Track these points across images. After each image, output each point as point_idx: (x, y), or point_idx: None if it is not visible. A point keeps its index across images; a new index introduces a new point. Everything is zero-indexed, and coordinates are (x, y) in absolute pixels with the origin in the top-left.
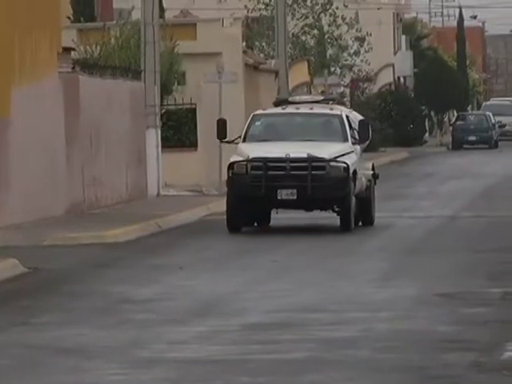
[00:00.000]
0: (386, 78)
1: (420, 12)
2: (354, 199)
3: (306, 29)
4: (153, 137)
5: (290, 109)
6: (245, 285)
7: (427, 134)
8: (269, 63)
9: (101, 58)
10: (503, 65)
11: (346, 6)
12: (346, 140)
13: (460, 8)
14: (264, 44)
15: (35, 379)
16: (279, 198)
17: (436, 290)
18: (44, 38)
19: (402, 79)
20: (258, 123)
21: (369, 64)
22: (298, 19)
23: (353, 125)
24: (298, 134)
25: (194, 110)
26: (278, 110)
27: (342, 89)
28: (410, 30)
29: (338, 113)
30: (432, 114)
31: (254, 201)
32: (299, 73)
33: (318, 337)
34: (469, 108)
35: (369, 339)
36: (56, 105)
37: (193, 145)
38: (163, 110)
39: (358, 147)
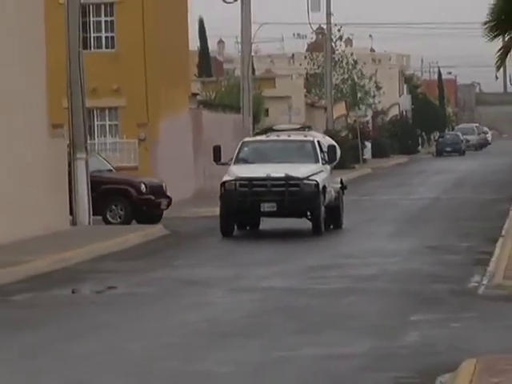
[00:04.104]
0: (394, 111)
1: (415, 70)
2: (323, 209)
3: (344, 80)
4: None
5: (272, 136)
6: (295, 245)
7: (420, 146)
8: (320, 102)
9: (216, 99)
10: (468, 103)
11: (364, 64)
12: (317, 161)
13: (439, 67)
14: (317, 90)
15: (173, 300)
16: (262, 210)
17: (426, 243)
18: (180, 88)
19: (404, 112)
20: (246, 148)
21: (379, 102)
22: (338, 75)
23: (323, 148)
24: (278, 157)
25: None
26: (263, 137)
27: (367, 118)
28: (409, 81)
29: (311, 139)
30: (423, 133)
31: (242, 212)
32: (340, 109)
33: (350, 274)
34: (446, 130)
35: (383, 275)
36: (187, 129)
37: None
38: (255, 132)
39: (327, 166)
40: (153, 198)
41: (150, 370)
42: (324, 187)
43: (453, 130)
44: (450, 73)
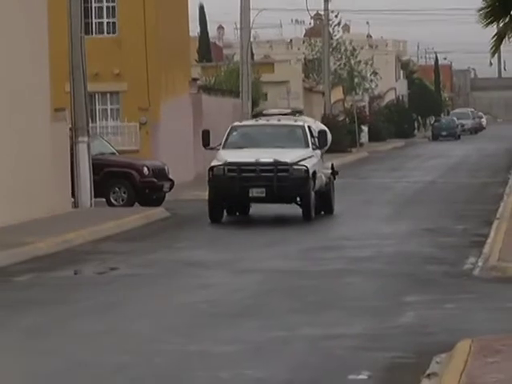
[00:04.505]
0: (390, 96)
1: (412, 56)
2: (313, 195)
3: (341, 66)
4: None
5: (262, 121)
6: (290, 228)
7: (416, 131)
8: (318, 87)
9: (215, 84)
10: (463, 88)
11: (361, 49)
12: (307, 146)
13: (436, 53)
14: (315, 75)
15: (175, 281)
16: (251, 195)
17: (422, 226)
18: (180, 73)
19: (400, 97)
20: (235, 133)
21: (377, 86)
22: (336, 60)
23: (314, 133)
24: (267, 141)
25: None
26: (252, 121)
27: (363, 103)
28: (405, 66)
29: (301, 124)
30: (419, 118)
31: (230, 198)
32: (337, 93)
33: (347, 255)
34: (442, 114)
35: (379, 257)
36: (187, 113)
37: None
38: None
39: (318, 152)
40: (155, 180)
41: (152, 350)
42: (314, 173)
43: (448, 114)
44: (445, 58)
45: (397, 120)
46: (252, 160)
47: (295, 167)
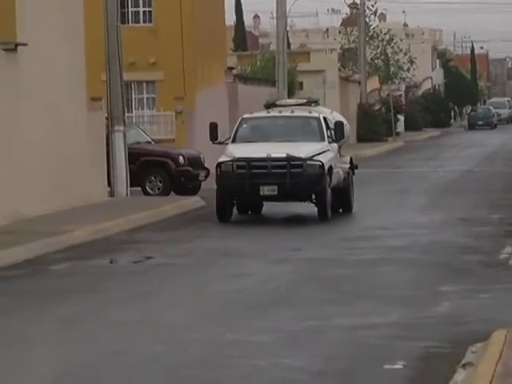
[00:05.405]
0: (427, 85)
1: (448, 45)
2: (329, 192)
3: (377, 55)
4: None
5: (274, 112)
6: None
7: (452, 120)
8: (354, 76)
9: (251, 73)
10: (499, 77)
11: (401, 40)
12: (322, 140)
13: (472, 42)
14: (351, 64)
15: (209, 271)
16: (262, 193)
17: (457, 215)
18: (216, 62)
19: (437, 86)
20: (245, 126)
21: (414, 76)
22: (372, 49)
23: (330, 125)
24: (279, 135)
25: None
26: (263, 113)
27: (400, 92)
28: (442, 55)
29: (316, 115)
30: (455, 107)
31: (240, 196)
32: (373, 83)
33: (383, 244)
34: (478, 104)
35: (415, 246)
36: (223, 102)
37: None
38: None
39: (334, 145)
40: (191, 169)
41: (187, 339)
42: (330, 168)
43: (484, 103)
44: (482, 47)
45: (433, 109)
46: (263, 155)
47: (309, 163)
